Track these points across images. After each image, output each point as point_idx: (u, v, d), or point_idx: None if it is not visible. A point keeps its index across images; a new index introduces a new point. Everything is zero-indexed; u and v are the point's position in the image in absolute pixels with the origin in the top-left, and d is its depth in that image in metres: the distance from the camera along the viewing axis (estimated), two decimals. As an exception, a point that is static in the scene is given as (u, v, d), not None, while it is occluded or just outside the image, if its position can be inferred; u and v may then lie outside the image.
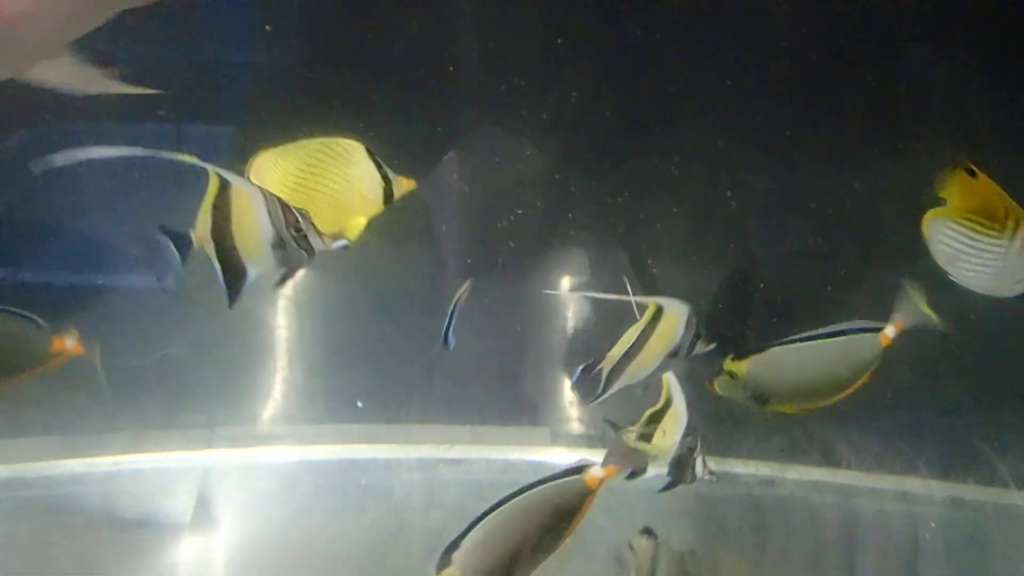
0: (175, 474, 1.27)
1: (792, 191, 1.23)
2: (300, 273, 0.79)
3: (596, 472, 0.86)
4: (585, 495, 0.87)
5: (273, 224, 0.74)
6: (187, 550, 1.13)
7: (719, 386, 0.97)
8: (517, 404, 1.35)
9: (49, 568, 1.08)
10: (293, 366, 1.29)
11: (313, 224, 0.76)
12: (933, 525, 1.22)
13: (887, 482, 1.30)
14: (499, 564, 0.84)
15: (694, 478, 0.97)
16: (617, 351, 0.87)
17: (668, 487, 0.95)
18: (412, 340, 1.29)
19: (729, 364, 0.95)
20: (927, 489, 1.28)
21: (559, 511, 0.87)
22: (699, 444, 0.94)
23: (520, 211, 1.20)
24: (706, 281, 1.26)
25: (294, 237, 0.75)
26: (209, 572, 1.11)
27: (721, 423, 1.31)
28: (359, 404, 1.29)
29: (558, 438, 1.36)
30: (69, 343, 0.93)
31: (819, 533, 1.24)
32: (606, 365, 0.88)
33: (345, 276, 1.23)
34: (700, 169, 1.18)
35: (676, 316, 0.87)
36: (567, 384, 1.34)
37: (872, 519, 1.25)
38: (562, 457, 1.33)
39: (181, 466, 1.27)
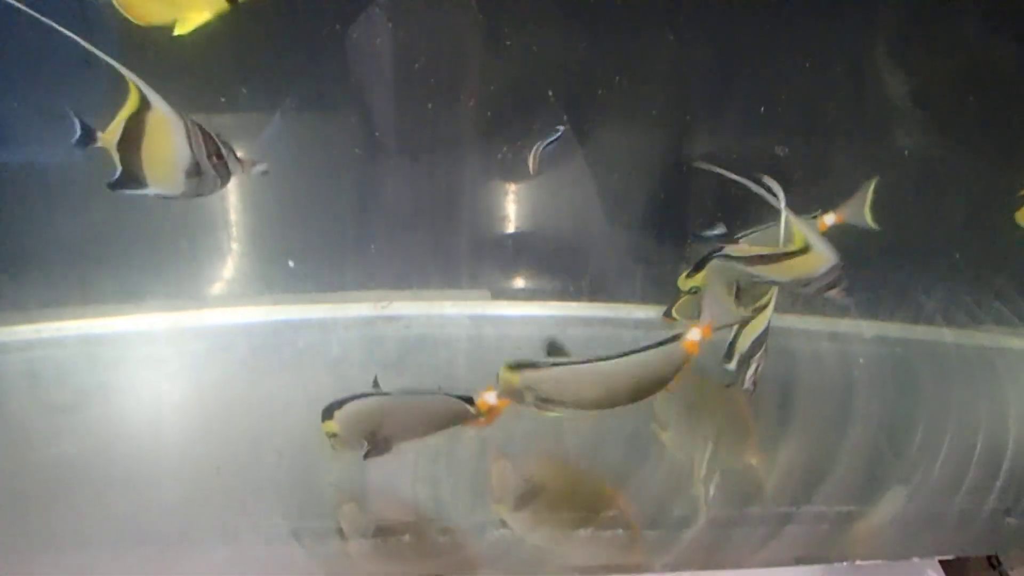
0: (103, 339, 1.23)
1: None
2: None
3: (694, 335, 0.90)
4: (684, 360, 0.92)
5: (193, 153, 0.74)
6: (116, 412, 1.10)
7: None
8: (457, 268, 1.33)
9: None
10: (225, 231, 1.23)
11: (233, 151, 0.76)
12: (862, 361, 1.26)
13: (820, 324, 1.34)
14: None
15: (743, 382, 1.05)
16: (750, 249, 0.96)
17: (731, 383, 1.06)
18: (346, 205, 1.25)
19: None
20: (856, 328, 1.32)
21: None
22: (761, 353, 1.03)
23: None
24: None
25: (214, 165, 0.75)
26: (141, 434, 1.09)
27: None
28: (291, 263, 1.25)
29: (500, 295, 1.35)
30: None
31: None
32: (735, 251, 0.97)
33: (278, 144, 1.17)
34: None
35: (821, 259, 0.91)
36: (511, 246, 1.33)
37: (806, 359, 1.28)
38: (505, 309, 1.32)
39: (109, 331, 1.23)
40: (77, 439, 1.07)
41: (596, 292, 1.35)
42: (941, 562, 1.10)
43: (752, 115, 1.19)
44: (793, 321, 1.33)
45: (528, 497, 1.03)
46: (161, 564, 0.95)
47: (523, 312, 1.35)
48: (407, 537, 0.95)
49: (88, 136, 0.75)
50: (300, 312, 1.27)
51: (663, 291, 1.28)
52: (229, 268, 1.27)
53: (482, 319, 1.32)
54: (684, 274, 1.06)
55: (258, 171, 0.79)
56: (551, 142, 1.12)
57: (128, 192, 0.77)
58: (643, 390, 0.93)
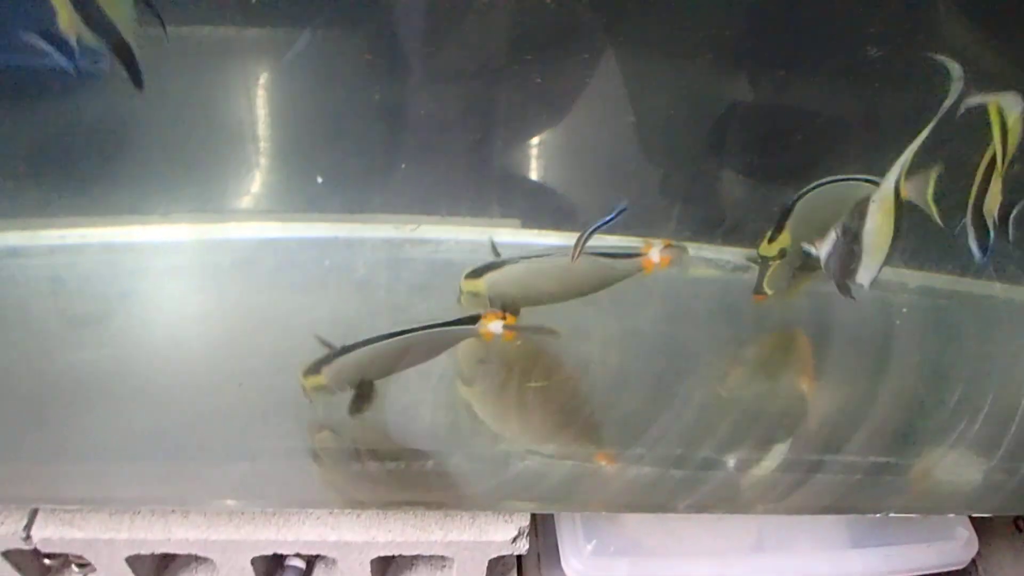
0: (127, 248, 1.21)
1: None
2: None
3: (653, 256, 0.93)
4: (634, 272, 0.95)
5: None
6: (138, 323, 1.09)
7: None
8: (488, 194, 1.28)
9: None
10: (253, 144, 1.19)
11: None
12: (905, 311, 1.21)
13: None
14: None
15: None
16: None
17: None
18: (378, 125, 1.20)
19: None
20: (900, 277, 1.27)
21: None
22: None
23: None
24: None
25: None
26: (162, 346, 1.07)
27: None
28: (319, 179, 1.21)
29: (530, 224, 1.31)
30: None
31: (790, 317, 1.23)
32: None
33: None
34: None
35: None
36: (544, 174, 1.28)
37: (845, 304, 1.23)
38: (535, 238, 1.28)
39: (133, 240, 1.21)
40: (98, 348, 1.06)
41: (630, 225, 1.31)
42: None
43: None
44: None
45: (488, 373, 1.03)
46: (180, 477, 0.95)
47: (554, 241, 1.31)
48: (429, 464, 0.94)
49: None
50: (327, 230, 1.24)
51: (699, 228, 1.24)
52: (256, 182, 1.24)
53: (512, 247, 1.28)
54: (765, 239, 0.97)
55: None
56: (607, 222, 0.98)
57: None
58: (595, 288, 0.97)
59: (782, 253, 0.96)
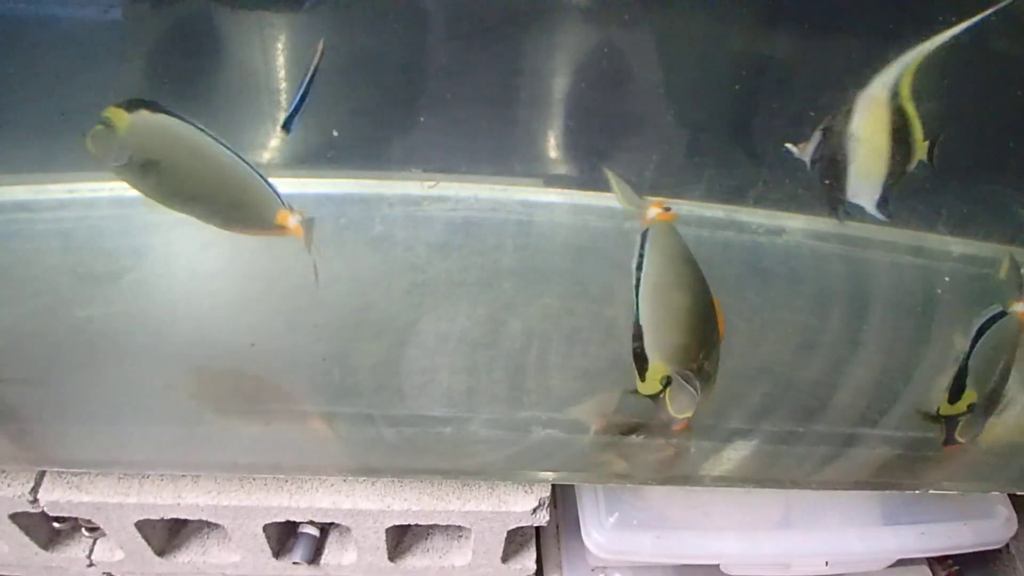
0: (138, 202, 1.17)
1: None
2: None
3: None
4: None
5: None
6: (149, 279, 1.05)
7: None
8: (510, 152, 1.24)
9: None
10: (268, 96, 1.15)
11: None
12: (947, 279, 1.16)
13: (902, 236, 1.23)
14: None
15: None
16: None
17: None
18: (398, 80, 1.15)
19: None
20: (943, 244, 1.21)
21: None
22: None
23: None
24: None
25: None
26: (174, 302, 1.04)
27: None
28: (335, 133, 1.17)
29: (551, 181, 1.26)
30: (292, 223, 0.82)
31: (826, 281, 1.18)
32: None
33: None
34: None
35: None
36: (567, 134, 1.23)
37: (883, 270, 1.18)
38: (556, 197, 1.23)
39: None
40: (108, 304, 1.03)
41: (657, 187, 1.26)
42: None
43: None
44: (874, 231, 1.23)
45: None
46: (191, 439, 0.92)
47: (576, 201, 1.26)
48: (448, 430, 0.90)
49: None
50: (343, 186, 1.19)
51: (725, 191, 1.19)
52: (270, 136, 1.20)
53: (533, 205, 1.24)
54: (944, 399, 0.90)
55: None
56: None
57: None
58: None
59: (971, 408, 0.88)
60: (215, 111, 1.12)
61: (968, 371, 0.87)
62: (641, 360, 0.80)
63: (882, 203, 0.81)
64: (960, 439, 0.90)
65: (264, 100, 1.15)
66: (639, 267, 0.80)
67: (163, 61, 1.08)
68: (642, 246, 0.80)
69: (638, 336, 0.80)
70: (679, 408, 0.79)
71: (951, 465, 0.98)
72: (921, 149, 0.78)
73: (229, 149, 0.77)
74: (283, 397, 0.98)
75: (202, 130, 0.76)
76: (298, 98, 0.82)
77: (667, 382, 0.78)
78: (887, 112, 0.77)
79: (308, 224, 0.82)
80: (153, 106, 0.74)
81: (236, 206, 0.81)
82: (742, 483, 0.97)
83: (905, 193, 0.95)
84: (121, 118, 0.72)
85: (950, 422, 0.89)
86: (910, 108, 0.77)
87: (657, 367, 0.79)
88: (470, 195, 1.21)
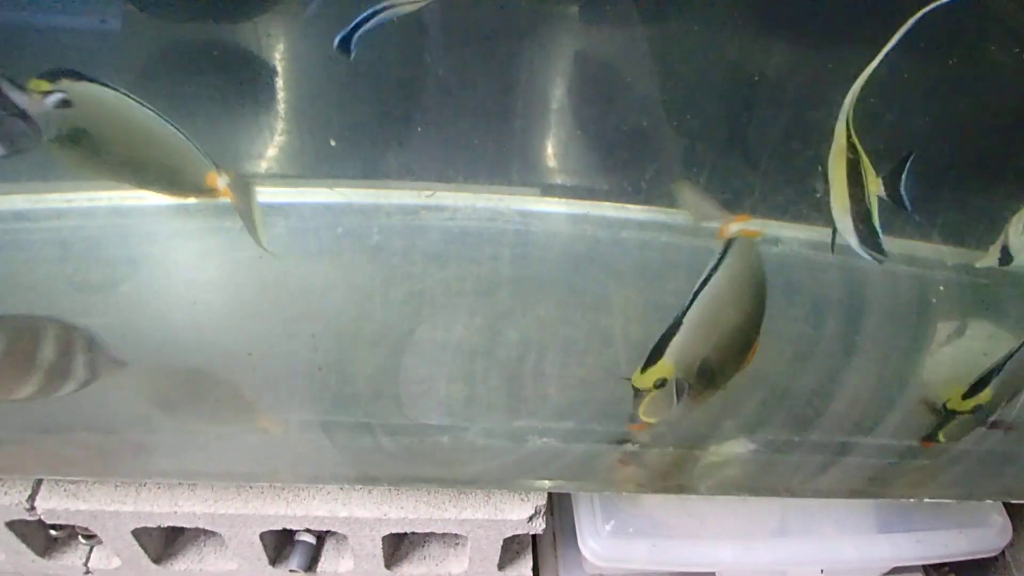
0: (135, 212, 1.17)
1: None
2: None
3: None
4: None
5: None
6: (146, 288, 1.06)
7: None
8: (507, 162, 1.24)
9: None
10: (265, 106, 1.15)
11: (9, 80, 0.60)
12: (941, 288, 1.16)
13: (896, 246, 1.23)
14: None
15: None
16: None
17: None
18: (395, 89, 1.16)
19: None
20: (938, 253, 1.22)
21: None
22: None
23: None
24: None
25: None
26: (170, 312, 1.04)
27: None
28: (332, 143, 1.17)
29: (549, 191, 1.27)
30: (221, 184, 0.81)
31: (821, 291, 1.19)
32: None
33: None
34: None
35: None
36: (560, 142, 1.23)
37: (878, 278, 1.19)
38: (555, 207, 1.24)
39: (141, 204, 1.18)
40: (105, 314, 1.03)
41: (654, 196, 1.27)
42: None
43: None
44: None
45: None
46: (187, 448, 0.92)
47: (574, 211, 1.26)
48: (445, 439, 0.90)
49: None
50: (340, 196, 1.20)
51: (727, 200, 1.19)
52: (267, 145, 1.20)
53: (531, 215, 1.24)
54: (958, 393, 0.90)
55: (54, 101, 0.63)
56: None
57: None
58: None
59: (974, 410, 0.90)
60: (210, 119, 1.13)
61: (999, 372, 0.87)
62: (656, 353, 0.78)
63: (865, 241, 0.79)
64: (941, 438, 0.91)
65: (260, 109, 1.16)
66: (713, 270, 0.79)
67: (156, 63, 1.08)
68: (722, 255, 0.79)
69: (672, 331, 0.78)
70: (650, 411, 0.79)
71: (946, 473, 0.99)
72: (875, 185, 0.78)
73: (156, 113, 0.76)
74: (280, 406, 0.98)
75: (127, 95, 0.74)
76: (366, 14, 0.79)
77: (660, 384, 0.78)
78: (841, 150, 0.77)
79: (241, 186, 0.82)
80: (75, 75, 0.72)
81: (166, 170, 0.80)
82: (738, 491, 0.98)
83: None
84: (43, 88, 0.70)
85: (947, 418, 0.89)
86: (857, 142, 0.76)
87: (664, 367, 0.78)
88: (467, 205, 1.21)
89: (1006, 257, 0.94)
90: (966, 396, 0.88)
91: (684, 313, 0.78)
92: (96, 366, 0.87)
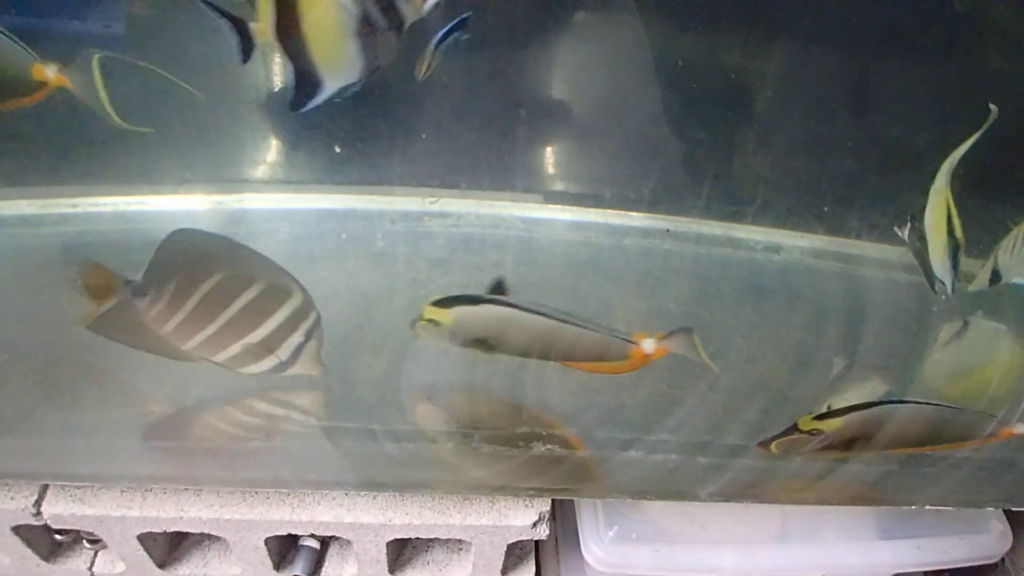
0: (140, 217, 1.18)
1: None
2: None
3: (647, 347, 0.83)
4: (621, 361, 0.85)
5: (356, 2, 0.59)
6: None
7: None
8: (510, 169, 1.25)
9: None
10: (271, 113, 1.16)
11: None
12: (943, 297, 1.17)
13: (895, 253, 1.24)
14: None
15: None
16: None
17: None
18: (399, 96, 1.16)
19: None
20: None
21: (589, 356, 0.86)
22: None
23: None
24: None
25: (383, 8, 0.60)
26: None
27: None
28: (337, 149, 1.18)
29: (552, 198, 1.28)
30: (51, 73, 0.77)
31: (822, 299, 1.19)
32: None
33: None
34: None
35: None
36: (568, 149, 1.24)
37: (879, 288, 1.20)
38: (558, 214, 1.25)
39: (146, 210, 1.18)
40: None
41: (655, 203, 1.27)
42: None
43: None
44: (866, 249, 1.24)
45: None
46: (191, 458, 0.93)
47: (577, 218, 1.27)
48: (449, 444, 0.91)
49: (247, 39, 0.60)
50: (345, 202, 1.20)
51: (728, 205, 1.20)
52: (273, 152, 1.21)
53: (534, 222, 1.25)
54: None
55: (430, 5, 0.62)
56: (448, 33, 0.86)
57: (311, 105, 0.64)
58: (567, 356, 0.87)
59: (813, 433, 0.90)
60: (217, 127, 1.13)
61: (864, 409, 0.89)
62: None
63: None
64: (774, 448, 0.91)
65: (265, 116, 1.17)
66: None
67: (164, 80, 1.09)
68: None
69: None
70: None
71: (946, 480, 0.99)
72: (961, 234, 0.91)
73: None
74: (285, 411, 0.98)
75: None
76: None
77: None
78: (943, 204, 0.89)
79: (81, 72, 0.78)
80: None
81: None
82: (740, 498, 0.98)
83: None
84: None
85: (788, 431, 0.90)
86: (951, 200, 0.89)
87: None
88: (471, 211, 1.22)
89: (996, 278, 1.01)
90: (817, 418, 0.87)
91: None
92: (301, 357, 0.85)
